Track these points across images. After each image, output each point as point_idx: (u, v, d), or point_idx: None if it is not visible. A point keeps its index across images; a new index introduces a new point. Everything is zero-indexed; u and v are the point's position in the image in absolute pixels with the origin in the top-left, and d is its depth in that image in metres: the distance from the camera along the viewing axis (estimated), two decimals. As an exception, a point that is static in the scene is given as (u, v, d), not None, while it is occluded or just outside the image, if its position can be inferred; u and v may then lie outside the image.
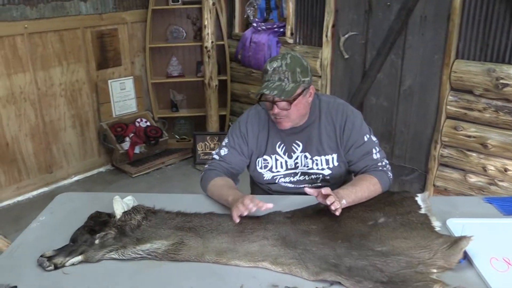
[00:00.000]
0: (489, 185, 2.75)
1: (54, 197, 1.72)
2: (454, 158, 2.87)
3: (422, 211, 1.48)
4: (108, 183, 3.75)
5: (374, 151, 1.66)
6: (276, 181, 1.75)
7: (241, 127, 1.74)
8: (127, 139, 3.84)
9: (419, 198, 1.56)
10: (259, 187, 1.82)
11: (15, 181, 3.42)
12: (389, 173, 1.64)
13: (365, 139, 1.66)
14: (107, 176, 3.90)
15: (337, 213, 1.39)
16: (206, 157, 3.97)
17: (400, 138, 3.17)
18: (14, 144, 3.36)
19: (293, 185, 1.74)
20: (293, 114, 1.58)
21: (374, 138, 1.69)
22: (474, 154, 2.77)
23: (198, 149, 4.00)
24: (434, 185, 3.01)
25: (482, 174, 2.77)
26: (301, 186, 1.73)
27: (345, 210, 1.46)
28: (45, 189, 3.59)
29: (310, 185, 1.73)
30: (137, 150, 3.87)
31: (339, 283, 1.16)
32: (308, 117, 1.68)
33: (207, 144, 4.00)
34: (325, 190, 1.39)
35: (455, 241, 1.26)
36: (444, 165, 2.94)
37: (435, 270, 1.19)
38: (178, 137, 4.43)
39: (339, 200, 1.41)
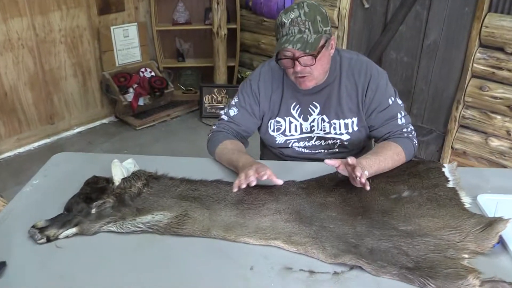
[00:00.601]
0: (512, 149, 2.60)
1: (56, 149, 1.60)
2: (476, 119, 2.71)
3: (450, 184, 1.35)
4: (111, 136, 3.63)
5: (399, 115, 1.50)
6: (289, 146, 1.61)
7: (252, 85, 1.58)
8: (131, 90, 3.69)
9: (446, 169, 1.42)
10: (271, 151, 1.68)
11: (16, 132, 3.30)
12: (415, 140, 1.50)
13: (390, 102, 1.50)
14: (110, 128, 3.77)
15: (367, 188, 1.23)
16: (213, 110, 3.83)
17: (419, 97, 3.00)
18: (13, 93, 3.22)
19: (307, 150, 1.60)
20: (316, 70, 1.42)
21: (399, 101, 1.53)
22: (498, 117, 2.61)
23: (205, 101, 3.85)
24: (452, 148, 2.87)
25: (505, 138, 2.62)
26: (317, 151, 1.60)
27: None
28: (47, 140, 3.47)
29: (326, 151, 1.60)
30: (141, 101, 3.72)
31: (360, 267, 1.05)
32: (328, 76, 1.51)
33: (214, 96, 3.84)
34: (352, 160, 1.23)
35: (490, 224, 1.12)
36: (465, 127, 2.78)
37: (466, 256, 1.06)
38: (184, 88, 4.26)
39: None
